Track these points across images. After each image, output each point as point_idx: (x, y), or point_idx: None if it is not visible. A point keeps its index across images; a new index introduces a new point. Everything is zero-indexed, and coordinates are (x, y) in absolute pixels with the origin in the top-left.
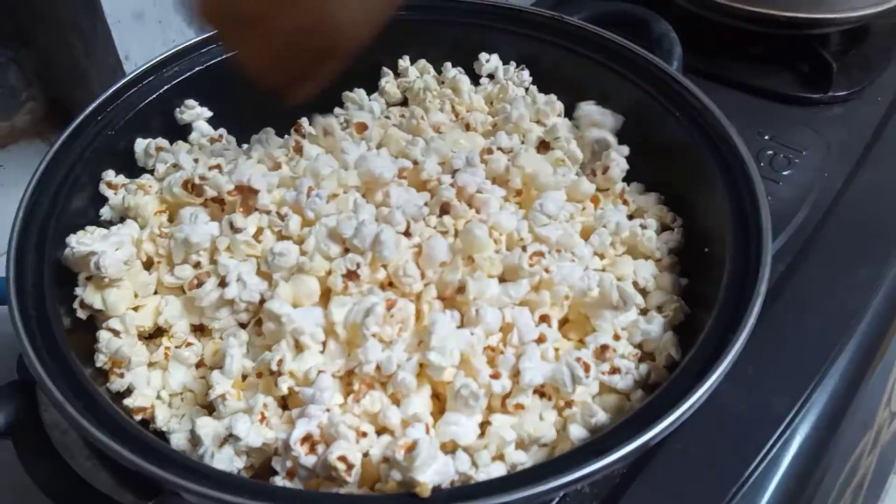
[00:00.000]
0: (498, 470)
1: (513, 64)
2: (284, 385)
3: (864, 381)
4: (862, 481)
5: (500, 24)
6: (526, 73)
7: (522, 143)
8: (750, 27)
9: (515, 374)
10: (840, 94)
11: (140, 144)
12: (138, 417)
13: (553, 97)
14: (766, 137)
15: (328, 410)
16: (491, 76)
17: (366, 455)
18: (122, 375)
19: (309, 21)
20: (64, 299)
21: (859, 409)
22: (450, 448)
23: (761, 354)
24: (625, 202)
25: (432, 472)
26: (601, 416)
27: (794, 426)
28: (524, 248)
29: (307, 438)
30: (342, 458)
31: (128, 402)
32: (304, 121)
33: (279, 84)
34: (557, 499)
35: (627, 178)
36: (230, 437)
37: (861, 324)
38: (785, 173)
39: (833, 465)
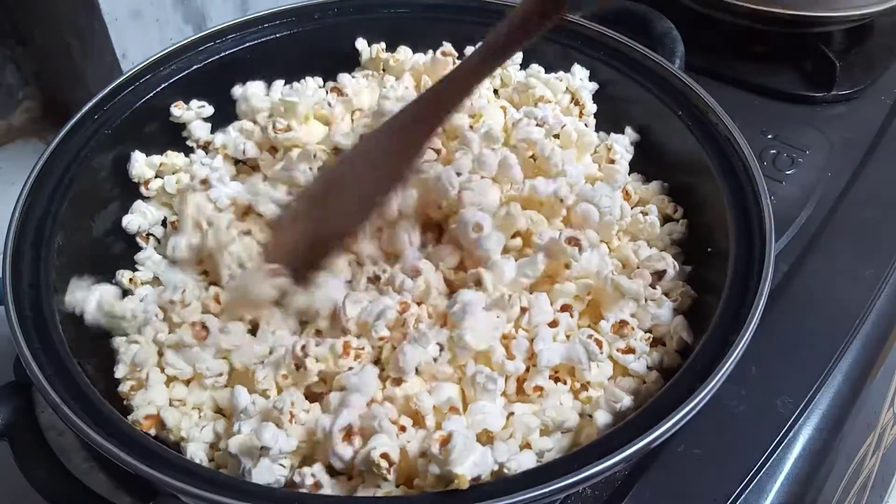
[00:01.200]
0: (527, 459)
1: None
2: (314, 367)
3: (867, 382)
4: (865, 483)
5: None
6: None
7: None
8: (753, 25)
9: (530, 356)
10: (843, 92)
11: (137, 159)
12: (152, 432)
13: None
14: (770, 136)
15: (371, 402)
16: None
17: (402, 449)
18: (141, 388)
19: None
20: (60, 300)
21: (862, 411)
22: (483, 440)
23: (764, 355)
24: (627, 195)
25: (470, 463)
26: (626, 401)
27: (798, 427)
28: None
29: (347, 429)
30: (385, 456)
31: (132, 416)
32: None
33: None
34: (559, 501)
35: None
36: (262, 449)
37: (865, 324)
38: (788, 172)
39: (836, 467)
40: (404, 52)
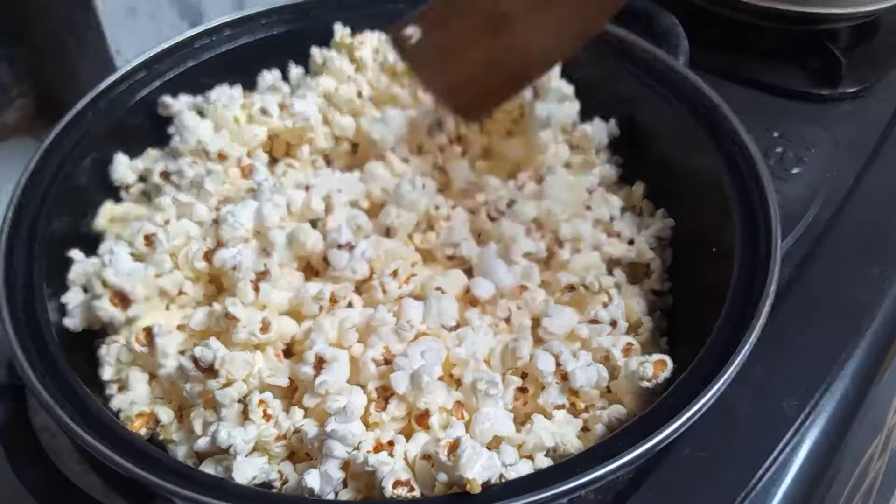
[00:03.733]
0: (525, 468)
1: None
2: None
3: (874, 383)
4: (872, 486)
5: None
6: None
7: None
8: (758, 22)
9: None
10: (849, 90)
11: (120, 161)
12: (142, 431)
13: None
14: (775, 134)
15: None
16: None
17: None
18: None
19: (498, 54)
20: (54, 300)
21: (869, 413)
22: (491, 446)
23: (770, 356)
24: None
25: (479, 467)
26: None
27: (804, 430)
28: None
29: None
30: (399, 483)
31: (123, 414)
32: None
33: (461, 105)
34: None
35: (631, 176)
36: (227, 451)
37: (872, 325)
38: (794, 171)
39: (843, 470)
40: (369, 36)
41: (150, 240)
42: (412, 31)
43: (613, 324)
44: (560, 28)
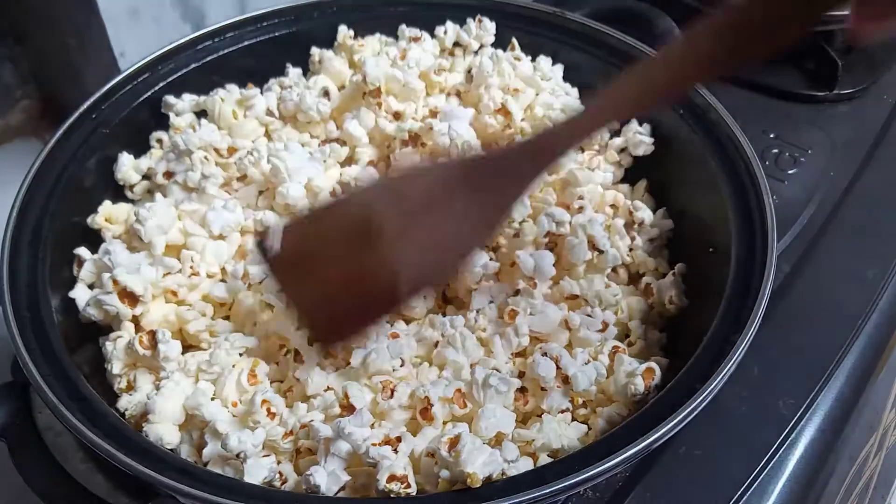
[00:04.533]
0: (526, 465)
1: (471, 21)
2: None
3: (869, 382)
4: (867, 484)
5: (502, 21)
6: (487, 21)
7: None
8: None
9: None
10: (846, 91)
11: (124, 162)
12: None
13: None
14: (772, 136)
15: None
16: (458, 44)
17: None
18: (131, 391)
19: (364, 273)
20: (58, 299)
21: (865, 412)
22: (493, 443)
23: (766, 356)
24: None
25: (481, 463)
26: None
27: (800, 429)
28: None
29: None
30: (394, 478)
31: (129, 412)
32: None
33: (324, 327)
34: (560, 502)
35: (627, 179)
36: (238, 455)
37: (867, 325)
38: (790, 172)
39: (838, 468)
40: (370, 40)
41: (134, 231)
42: (271, 243)
43: (604, 326)
44: (436, 248)
